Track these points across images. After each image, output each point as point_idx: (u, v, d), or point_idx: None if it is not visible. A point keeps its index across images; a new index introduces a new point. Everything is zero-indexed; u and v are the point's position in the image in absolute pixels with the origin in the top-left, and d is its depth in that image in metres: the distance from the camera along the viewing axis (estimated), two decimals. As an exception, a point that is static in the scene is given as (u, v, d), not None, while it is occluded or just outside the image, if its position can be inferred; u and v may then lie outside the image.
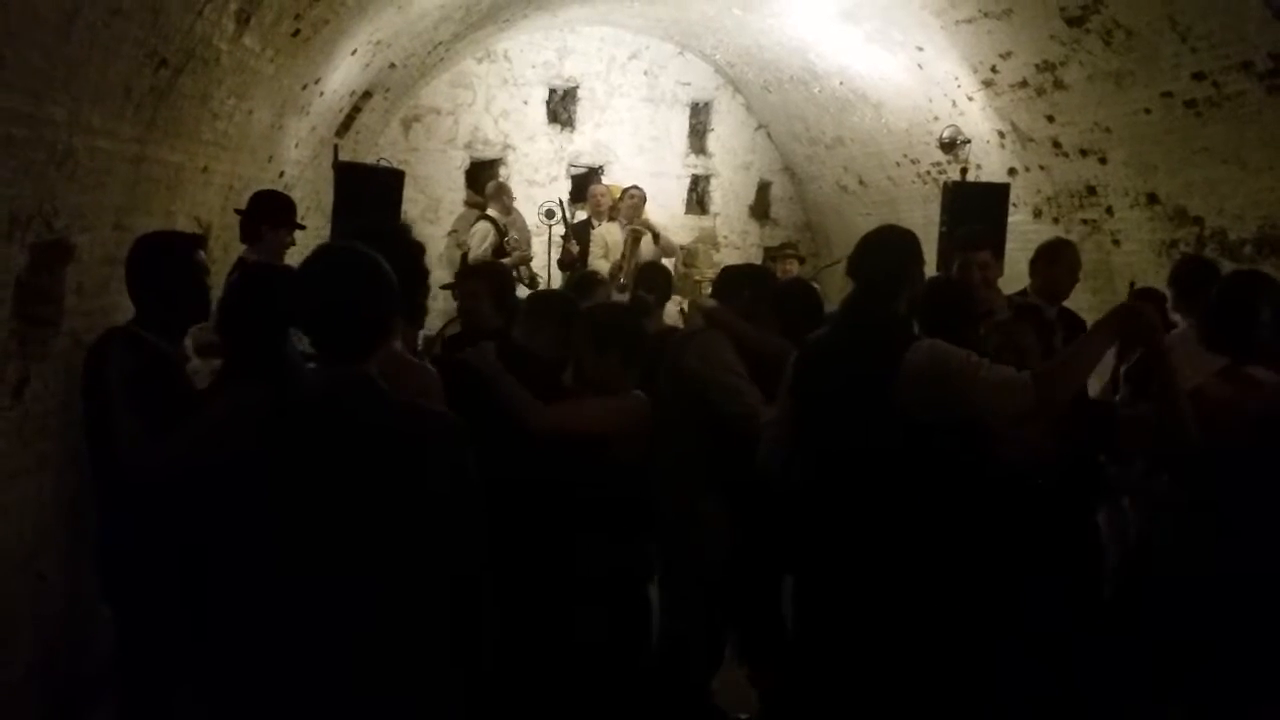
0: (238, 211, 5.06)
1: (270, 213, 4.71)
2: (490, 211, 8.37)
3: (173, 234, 3.40)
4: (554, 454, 3.30)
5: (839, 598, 3.23)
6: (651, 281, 5.08)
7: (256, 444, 2.26)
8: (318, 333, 2.28)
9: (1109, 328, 3.11)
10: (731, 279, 4.43)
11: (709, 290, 6.19)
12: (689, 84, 11.71)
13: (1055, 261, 5.00)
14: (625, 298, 7.64)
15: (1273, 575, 3.00)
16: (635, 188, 8.49)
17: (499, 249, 8.04)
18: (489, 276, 4.26)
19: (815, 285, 7.97)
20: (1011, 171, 7.78)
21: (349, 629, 2.16)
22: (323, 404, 2.24)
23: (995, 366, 3.03)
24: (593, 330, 3.50)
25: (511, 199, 8.64)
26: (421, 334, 4.37)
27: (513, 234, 8.47)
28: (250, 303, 2.98)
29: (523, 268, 8.28)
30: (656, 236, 8.18)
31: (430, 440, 2.24)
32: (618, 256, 7.91)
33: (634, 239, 8.02)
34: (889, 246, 3.37)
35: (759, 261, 11.62)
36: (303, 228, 4.68)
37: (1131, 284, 5.90)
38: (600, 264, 7.87)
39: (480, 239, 8.10)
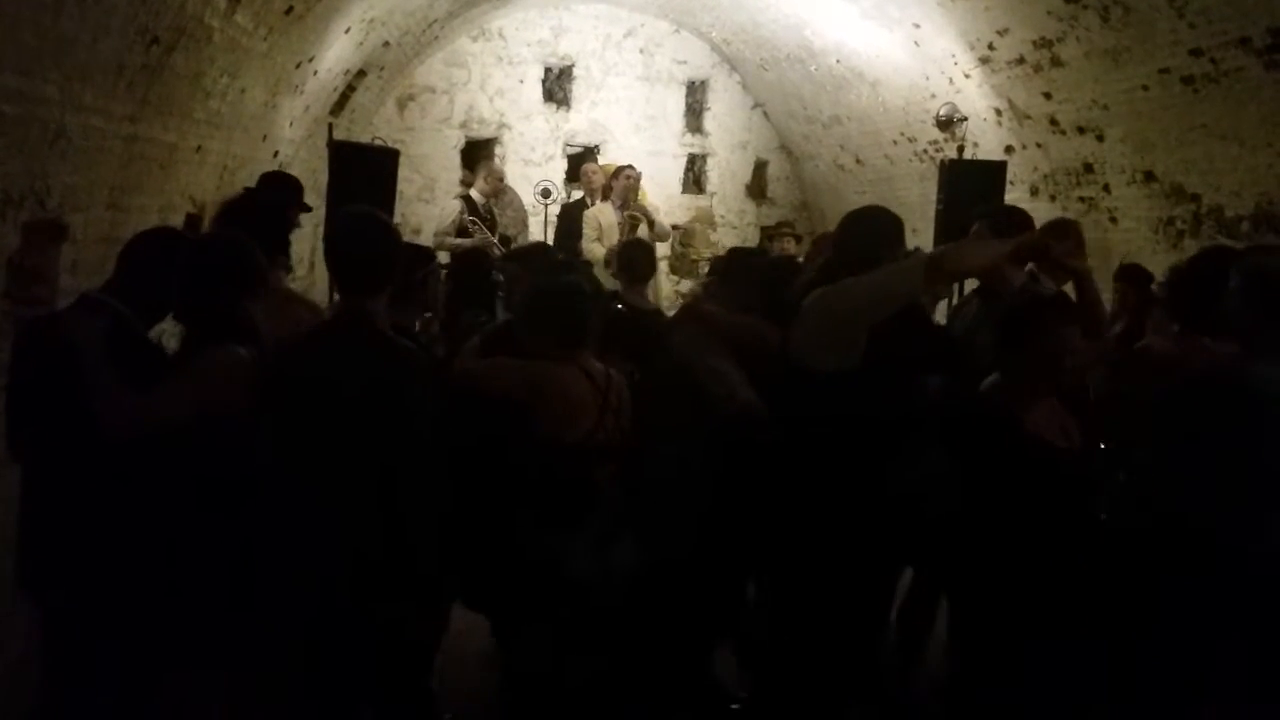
0: (247, 190, 5.02)
1: (282, 194, 4.70)
2: (472, 192, 8.22)
3: (181, 235, 3.33)
4: (480, 416, 3.28)
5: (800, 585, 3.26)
6: (631, 261, 5.07)
7: (253, 394, 2.75)
8: (336, 272, 2.91)
9: (1013, 244, 3.11)
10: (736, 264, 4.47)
11: (707, 270, 6.15)
12: (685, 62, 11.66)
13: (1059, 240, 4.87)
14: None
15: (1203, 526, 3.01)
16: (630, 167, 8.40)
17: (462, 229, 7.90)
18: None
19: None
20: (1008, 149, 7.76)
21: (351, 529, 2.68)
22: (325, 329, 2.88)
23: None
24: (529, 311, 3.47)
25: (496, 178, 8.45)
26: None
27: (497, 216, 8.33)
28: (211, 270, 2.95)
29: (494, 249, 8.09)
30: (652, 224, 8.12)
31: (403, 369, 2.77)
32: (613, 238, 7.83)
33: (631, 225, 7.96)
34: (868, 224, 3.40)
35: (756, 241, 11.64)
36: (309, 209, 4.68)
37: (1121, 265, 5.91)
38: (594, 246, 7.80)
39: (446, 215, 8.00)
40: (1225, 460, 2.95)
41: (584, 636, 3.32)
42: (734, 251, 4.88)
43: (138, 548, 2.79)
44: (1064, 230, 4.81)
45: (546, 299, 3.45)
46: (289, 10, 5.57)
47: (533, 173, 10.78)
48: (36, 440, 2.86)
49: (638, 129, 11.48)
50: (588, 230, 7.95)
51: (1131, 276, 5.61)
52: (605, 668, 3.40)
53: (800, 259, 7.96)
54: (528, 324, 3.42)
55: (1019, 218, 4.43)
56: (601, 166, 9.23)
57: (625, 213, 7.96)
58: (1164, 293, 4.17)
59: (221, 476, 2.83)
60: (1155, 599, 3.09)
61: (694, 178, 12.01)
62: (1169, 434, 3.13)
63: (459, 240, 7.77)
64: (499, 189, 8.46)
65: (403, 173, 7.88)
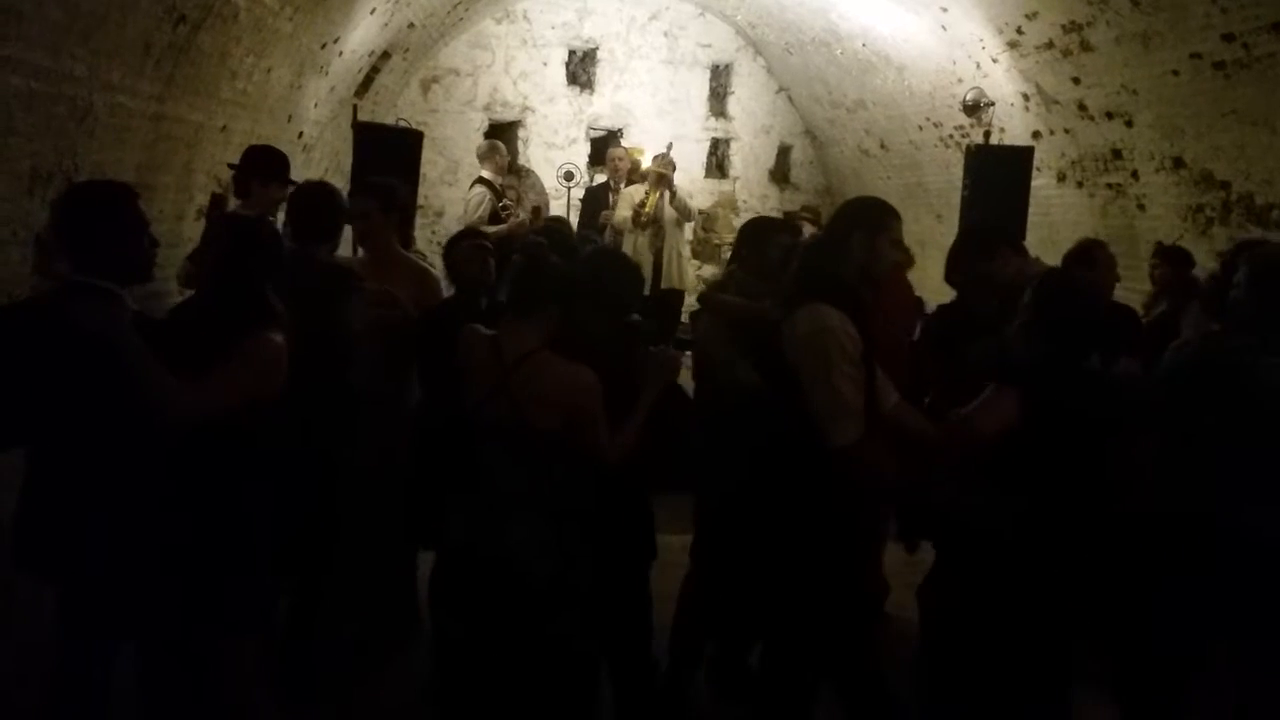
0: (230, 166, 4.93)
1: (261, 168, 4.51)
2: (485, 174, 8.18)
3: (109, 183, 3.19)
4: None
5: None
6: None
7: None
8: (292, 225, 3.77)
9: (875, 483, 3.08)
10: (752, 235, 4.39)
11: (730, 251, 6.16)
12: (709, 46, 11.61)
13: (1092, 266, 4.57)
14: (646, 239, 8.06)
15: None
16: (666, 154, 8.51)
17: (494, 215, 7.85)
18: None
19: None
20: (1036, 135, 7.69)
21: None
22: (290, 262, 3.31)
23: (852, 380, 2.92)
24: None
25: (505, 157, 8.41)
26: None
27: (510, 197, 8.31)
28: (242, 256, 2.95)
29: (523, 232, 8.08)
30: (673, 195, 8.17)
31: (335, 285, 3.63)
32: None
33: (658, 180, 8.08)
34: (842, 211, 3.35)
35: (778, 226, 11.60)
36: (294, 184, 4.48)
37: (1159, 244, 5.83)
38: (624, 213, 7.97)
39: (476, 204, 7.92)
40: (1229, 450, 2.92)
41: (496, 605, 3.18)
42: (745, 228, 4.78)
43: (166, 524, 2.80)
44: (1090, 257, 4.67)
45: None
46: (315, -10, 5.58)
47: (555, 156, 10.78)
48: (53, 427, 2.72)
49: (661, 113, 11.45)
50: (623, 205, 8.13)
51: (1169, 257, 5.42)
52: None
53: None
54: None
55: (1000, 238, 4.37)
56: (628, 150, 9.24)
57: (655, 170, 8.20)
58: (1207, 288, 4.09)
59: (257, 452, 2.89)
60: (1153, 591, 3.07)
61: (717, 162, 11.96)
62: (1173, 422, 3.08)
63: (495, 228, 7.69)
64: (504, 168, 8.44)
65: (426, 155, 7.89)
